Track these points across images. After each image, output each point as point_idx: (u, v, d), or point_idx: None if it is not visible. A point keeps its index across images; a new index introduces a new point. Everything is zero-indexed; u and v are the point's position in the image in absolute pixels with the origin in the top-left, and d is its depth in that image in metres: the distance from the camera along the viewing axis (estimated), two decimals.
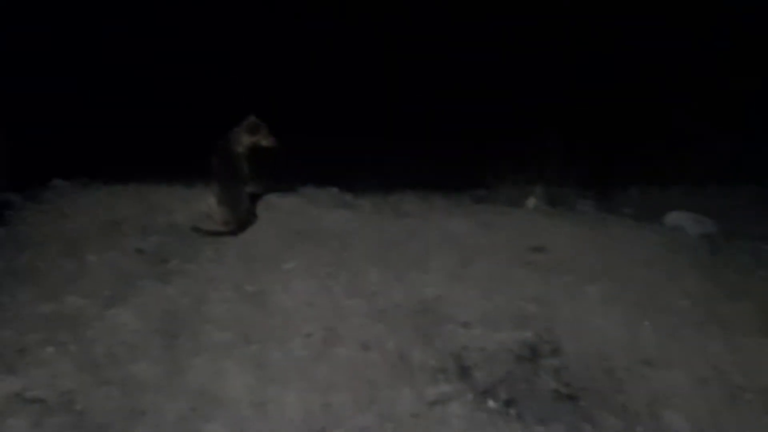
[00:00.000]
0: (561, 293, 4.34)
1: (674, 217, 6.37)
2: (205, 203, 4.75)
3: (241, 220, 4.68)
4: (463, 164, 6.46)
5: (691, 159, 6.97)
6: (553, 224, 5.75)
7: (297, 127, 5.67)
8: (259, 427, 2.79)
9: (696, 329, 4.15)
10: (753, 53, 7.36)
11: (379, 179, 5.96)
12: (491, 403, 3.11)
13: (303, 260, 4.32)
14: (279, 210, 5.06)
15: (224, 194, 4.62)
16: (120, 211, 4.75)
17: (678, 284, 4.74)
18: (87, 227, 4.46)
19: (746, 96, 7.31)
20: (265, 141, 4.77)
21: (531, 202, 6.30)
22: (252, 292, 3.86)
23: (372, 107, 6.79)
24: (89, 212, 4.71)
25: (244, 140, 4.74)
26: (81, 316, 3.45)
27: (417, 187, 6.16)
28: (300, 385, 3.09)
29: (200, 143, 5.41)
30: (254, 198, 5.06)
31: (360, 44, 7.09)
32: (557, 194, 6.38)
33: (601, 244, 5.36)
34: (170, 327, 3.42)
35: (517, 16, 7.31)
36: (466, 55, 7.29)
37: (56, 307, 3.51)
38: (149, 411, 2.82)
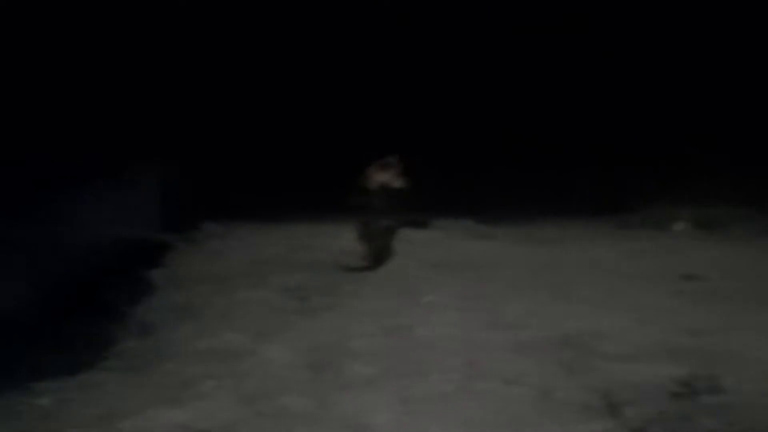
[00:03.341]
0: (719, 324, 4.06)
1: None
2: (345, 239, 4.92)
3: (378, 255, 4.79)
4: (604, 189, 6.26)
5: None
6: (704, 249, 5.43)
7: (432, 160, 5.77)
8: None
9: None
10: None
11: (514, 209, 5.91)
12: None
13: (441, 293, 4.34)
14: (415, 243, 5.14)
15: (362, 230, 4.77)
16: (266, 250, 5.01)
17: None
18: (236, 266, 4.75)
19: None
20: (396, 181, 4.88)
21: (679, 225, 5.98)
22: (392, 325, 3.92)
23: (502, 137, 6.79)
24: (238, 252, 5.02)
25: (376, 178, 4.88)
26: (235, 350, 3.65)
27: (555, 214, 6.04)
28: (444, 419, 3.06)
29: (340, 181, 5.65)
30: (390, 232, 5.17)
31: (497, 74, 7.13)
32: (707, 216, 5.99)
33: (761, 270, 4.98)
34: (316, 361, 3.53)
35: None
36: (602, 77, 7.13)
37: (212, 342, 3.74)
38: None
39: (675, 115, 6.81)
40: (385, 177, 4.92)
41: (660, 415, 3.16)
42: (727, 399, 3.31)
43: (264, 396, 3.25)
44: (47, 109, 5.15)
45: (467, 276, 4.57)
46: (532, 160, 6.44)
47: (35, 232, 4.50)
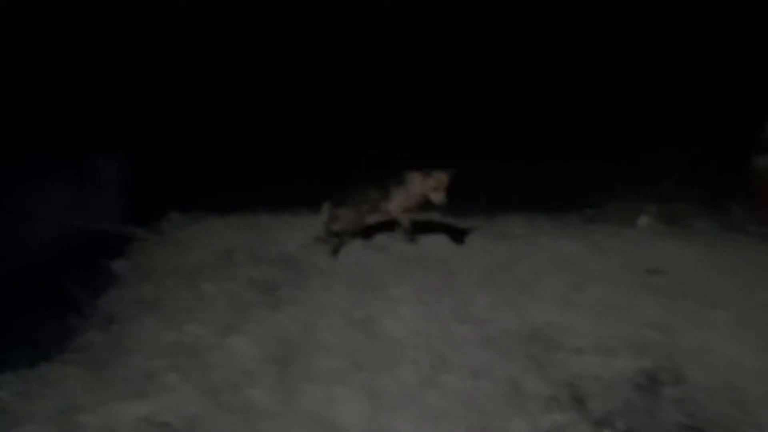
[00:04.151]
0: (683, 319, 4.11)
1: None
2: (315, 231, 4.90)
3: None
4: (570, 183, 6.30)
5: None
6: (670, 244, 5.49)
7: (396, 149, 5.76)
8: None
9: None
10: None
11: (482, 202, 5.90)
12: None
13: (410, 286, 4.33)
14: (383, 236, 5.11)
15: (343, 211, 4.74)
16: (233, 241, 4.95)
17: None
18: (202, 258, 4.68)
19: None
20: (437, 196, 4.72)
21: (643, 220, 6.04)
22: (360, 318, 3.89)
23: (469, 130, 6.81)
24: (204, 243, 4.95)
25: (419, 186, 4.76)
26: (201, 343, 3.60)
27: (523, 209, 6.05)
28: (411, 412, 3.06)
29: (312, 173, 5.63)
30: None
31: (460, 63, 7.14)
32: (673, 212, 6.07)
33: (725, 265, 5.06)
34: (283, 354, 3.50)
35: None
36: (574, 69, 7.18)
37: (178, 335, 3.68)
38: None
39: (640, 113, 6.89)
40: (427, 187, 4.74)
41: (624, 406, 3.20)
42: (690, 391, 3.37)
43: (229, 389, 3.21)
44: (6, 101, 5.01)
45: (436, 269, 4.57)
46: (499, 153, 6.44)
47: None
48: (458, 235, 5.13)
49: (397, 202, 4.84)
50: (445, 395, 3.21)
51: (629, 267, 4.88)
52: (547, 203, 6.14)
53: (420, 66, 7.28)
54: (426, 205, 4.88)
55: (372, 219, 5.04)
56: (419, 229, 5.11)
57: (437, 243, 4.99)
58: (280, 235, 5.13)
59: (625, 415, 3.12)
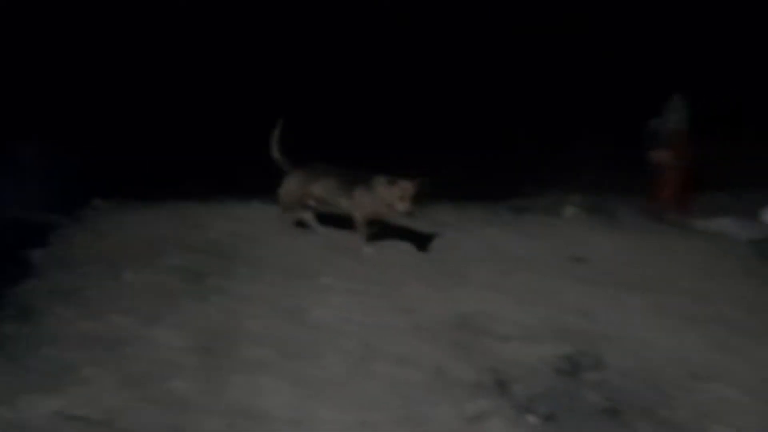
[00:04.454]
0: (604, 305, 4.25)
1: (720, 223, 6.22)
2: (243, 221, 4.81)
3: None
4: (500, 174, 6.41)
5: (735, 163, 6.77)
6: (593, 233, 5.66)
7: (324, 139, 5.73)
8: None
9: (746, 339, 4.02)
10: None
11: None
12: (531, 419, 3.02)
13: (338, 275, 4.31)
14: (312, 226, 5.08)
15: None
16: (157, 229, 4.82)
17: (726, 292, 4.62)
18: (125, 246, 4.53)
19: None
20: (402, 205, 4.46)
21: (569, 210, 6.21)
22: (289, 307, 3.85)
23: (399, 119, 6.83)
24: (126, 231, 4.79)
25: (384, 193, 4.52)
26: (121, 334, 3.48)
27: (454, 198, 6.12)
28: (337, 401, 3.05)
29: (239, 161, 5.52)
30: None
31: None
32: (596, 202, 6.26)
33: (644, 253, 5.26)
34: (208, 344, 3.42)
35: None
36: (499, 62, 7.28)
37: (97, 325, 3.55)
38: (188, 428, 2.81)
39: (566, 106, 7.07)
40: (391, 195, 4.48)
41: (546, 391, 3.27)
42: (609, 375, 3.48)
43: (150, 380, 3.11)
44: None
45: (363, 258, 4.57)
46: (430, 142, 6.49)
47: None
48: (454, 251, 4.92)
49: (361, 206, 4.68)
50: (372, 383, 3.21)
51: (555, 255, 5.01)
52: (477, 193, 6.23)
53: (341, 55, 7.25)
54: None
55: None
56: (379, 235, 4.96)
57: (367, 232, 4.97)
58: (209, 224, 5.02)
59: (547, 400, 3.19)
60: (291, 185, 4.83)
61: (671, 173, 6.38)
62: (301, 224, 4.91)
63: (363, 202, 4.63)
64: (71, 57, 6.57)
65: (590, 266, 4.84)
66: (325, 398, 3.07)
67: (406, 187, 4.42)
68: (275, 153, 4.82)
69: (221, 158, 6.57)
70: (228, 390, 3.09)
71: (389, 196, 4.46)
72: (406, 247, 4.78)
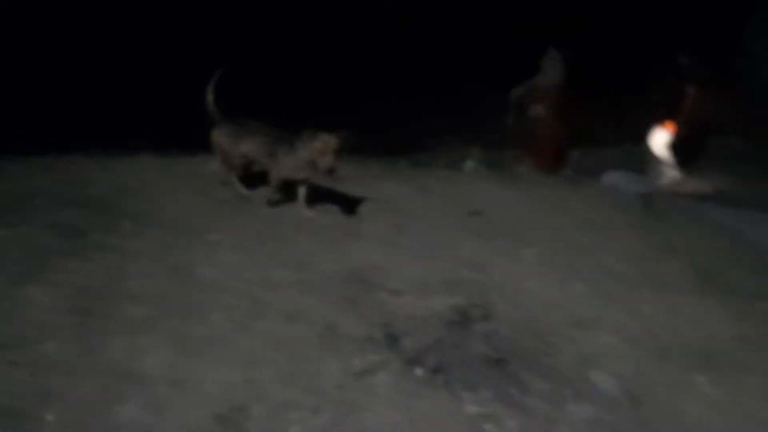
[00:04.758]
0: (496, 257, 4.30)
1: (611, 177, 6.43)
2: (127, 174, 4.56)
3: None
4: (400, 129, 6.37)
5: (628, 119, 6.99)
6: (491, 187, 5.72)
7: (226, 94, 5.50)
8: (175, 406, 2.65)
9: (628, 289, 4.18)
10: None
11: None
12: (419, 371, 3.03)
13: (230, 231, 4.16)
14: (206, 178, 4.87)
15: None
16: (33, 183, 4.49)
17: (613, 244, 4.78)
18: None
19: None
20: (323, 161, 4.20)
21: (469, 165, 6.25)
22: (173, 265, 3.68)
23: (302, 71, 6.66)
24: None
25: (307, 150, 4.25)
26: None
27: (353, 152, 6.01)
28: (221, 360, 2.95)
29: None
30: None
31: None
32: (495, 157, 6.33)
33: (538, 206, 5.36)
34: (85, 304, 3.22)
35: None
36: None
37: None
38: (57, 393, 2.65)
39: (463, 58, 7.06)
40: (313, 150, 4.21)
41: (435, 343, 3.29)
42: (497, 326, 3.53)
43: (19, 344, 2.90)
44: None
45: (257, 213, 4.42)
46: (328, 97, 6.35)
47: None
48: (350, 205, 4.69)
49: (284, 166, 4.39)
50: (258, 341, 3.12)
51: (452, 209, 5.03)
52: (376, 147, 6.16)
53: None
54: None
55: None
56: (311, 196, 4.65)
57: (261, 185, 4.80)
58: (91, 178, 4.72)
59: (435, 352, 3.21)
60: (221, 141, 4.56)
61: (546, 128, 6.43)
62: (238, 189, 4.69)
63: (285, 163, 4.36)
64: None
65: (486, 220, 4.89)
66: (208, 357, 2.96)
67: (327, 141, 4.18)
68: (209, 103, 4.53)
69: (113, 107, 6.20)
70: (105, 351, 2.93)
71: (310, 153, 4.23)
72: (302, 206, 4.63)
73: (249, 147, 4.47)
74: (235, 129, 4.51)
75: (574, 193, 5.74)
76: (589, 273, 4.28)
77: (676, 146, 6.36)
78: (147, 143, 5.51)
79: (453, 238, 4.53)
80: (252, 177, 4.67)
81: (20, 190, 4.34)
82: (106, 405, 2.60)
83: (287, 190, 4.56)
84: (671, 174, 6.41)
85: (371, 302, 3.57)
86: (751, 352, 3.71)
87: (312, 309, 3.44)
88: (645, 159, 6.49)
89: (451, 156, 6.35)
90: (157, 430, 2.50)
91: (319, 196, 4.67)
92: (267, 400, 2.73)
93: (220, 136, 4.53)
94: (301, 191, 4.52)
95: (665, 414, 3.09)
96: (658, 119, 6.35)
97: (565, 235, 4.73)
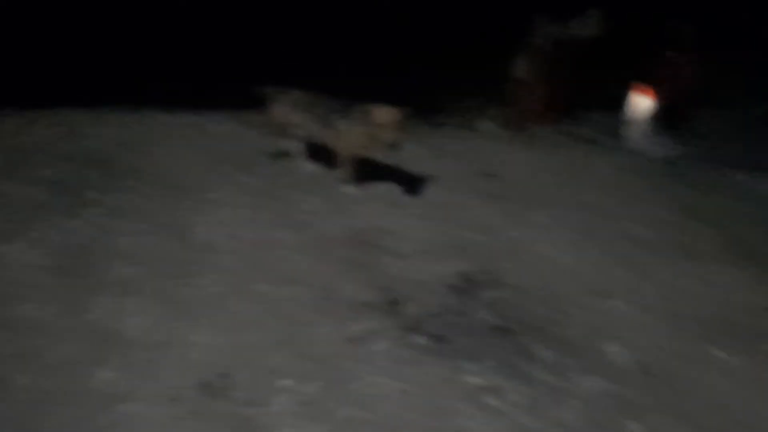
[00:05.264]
0: (509, 221, 4.10)
1: (636, 141, 6.14)
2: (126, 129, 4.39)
3: None
4: (414, 88, 6.10)
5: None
6: (507, 149, 5.48)
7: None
8: (157, 371, 2.52)
9: (646, 256, 3.96)
10: None
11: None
12: (419, 339, 2.86)
13: (230, 189, 4.00)
14: (207, 135, 4.71)
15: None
16: (33, 138, 4.35)
17: (632, 209, 4.54)
18: None
19: None
20: (389, 136, 3.90)
21: (485, 125, 6.00)
22: (167, 223, 3.54)
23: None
24: None
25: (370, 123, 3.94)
26: None
27: None
28: (209, 323, 2.81)
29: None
30: None
31: None
32: (513, 117, 6.05)
33: (556, 169, 5.13)
34: (69, 263, 3.09)
35: None
36: None
37: None
38: (33, 355, 2.52)
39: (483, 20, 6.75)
40: (379, 124, 3.91)
41: (438, 310, 3.11)
42: (505, 293, 3.35)
43: None
44: None
45: (257, 172, 4.24)
46: (341, 64, 6.12)
47: None
48: (411, 184, 4.36)
49: (347, 140, 4.08)
50: (251, 304, 2.97)
51: (464, 170, 4.81)
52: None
53: None
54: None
55: None
56: (366, 173, 4.32)
57: (265, 144, 4.60)
58: (91, 132, 4.55)
59: (437, 319, 3.03)
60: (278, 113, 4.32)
61: (532, 88, 6.07)
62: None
63: (349, 135, 4.05)
64: None
65: (499, 182, 4.67)
66: (196, 320, 2.82)
67: (390, 113, 3.91)
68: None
69: (122, 59, 6.02)
70: (89, 312, 2.80)
71: (374, 128, 3.93)
72: (307, 164, 4.43)
73: (301, 118, 4.24)
74: (292, 99, 4.26)
75: (595, 155, 5.48)
76: (606, 238, 4.06)
77: (661, 113, 6.04)
78: (154, 98, 5.32)
79: (464, 200, 4.32)
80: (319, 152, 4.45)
81: (19, 144, 4.20)
82: (84, 368, 2.48)
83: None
84: (652, 139, 6.10)
85: (373, 266, 3.40)
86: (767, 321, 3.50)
87: (310, 272, 3.27)
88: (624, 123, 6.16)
89: (467, 116, 6.10)
90: (135, 396, 2.37)
91: (326, 158, 4.47)
92: (254, 367, 2.59)
93: (275, 107, 4.30)
94: (346, 166, 4.23)
95: (678, 385, 2.90)
96: (639, 85, 6.03)
97: (583, 198, 4.50)
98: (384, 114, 3.90)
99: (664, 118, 6.11)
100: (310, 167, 4.36)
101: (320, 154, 4.34)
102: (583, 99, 6.33)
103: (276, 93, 4.28)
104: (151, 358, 2.57)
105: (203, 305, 2.93)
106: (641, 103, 6.06)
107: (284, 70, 4.71)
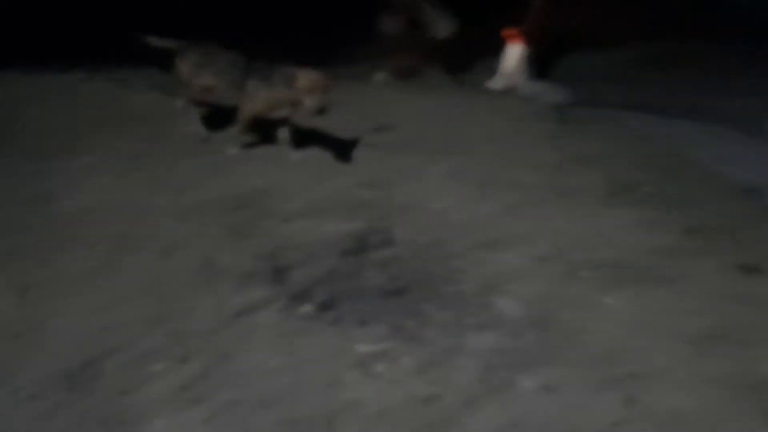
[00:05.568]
0: (402, 175, 3.97)
1: (529, 87, 6.14)
2: None
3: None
4: (310, 41, 5.83)
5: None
6: (401, 99, 5.34)
7: None
8: (15, 364, 2.27)
9: (540, 205, 3.93)
10: None
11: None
12: (306, 308, 2.72)
13: (102, 152, 3.69)
14: (78, 95, 4.32)
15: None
16: None
17: (526, 158, 4.51)
18: None
19: None
20: (311, 101, 3.67)
21: (380, 76, 5.83)
22: (33, 193, 3.22)
23: None
24: None
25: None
26: None
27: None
28: (76, 306, 2.57)
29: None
30: None
31: None
32: (407, 67, 5.91)
33: (450, 119, 5.03)
34: None
35: None
36: None
37: None
38: None
39: None
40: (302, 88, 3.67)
41: (326, 275, 2.97)
42: (398, 252, 3.23)
43: None
44: None
45: (135, 132, 3.94)
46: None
47: None
48: (344, 149, 4.15)
49: (255, 102, 3.80)
50: (123, 281, 2.75)
51: (356, 124, 4.63)
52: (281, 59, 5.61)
53: None
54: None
55: None
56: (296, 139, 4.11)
57: (141, 102, 4.28)
58: None
59: (326, 285, 2.89)
60: (182, 70, 3.91)
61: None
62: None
63: (257, 97, 3.77)
64: None
65: (393, 135, 4.54)
66: (61, 303, 2.58)
67: (314, 78, 3.68)
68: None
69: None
70: None
71: (294, 91, 3.68)
72: (183, 119, 4.14)
73: (212, 78, 3.89)
74: (201, 57, 3.89)
75: (488, 104, 5.41)
76: (501, 189, 4.00)
77: (531, 57, 6.13)
78: (27, 54, 4.81)
79: (355, 155, 4.16)
80: (218, 114, 4.14)
81: None
82: None
83: (261, 130, 4.00)
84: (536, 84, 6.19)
85: (258, 231, 3.21)
86: (663, 264, 3.54)
87: (190, 241, 3.06)
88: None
89: (361, 68, 5.90)
90: None
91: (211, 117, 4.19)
92: (126, 351, 2.38)
93: (182, 64, 3.92)
94: (283, 132, 4.00)
95: (572, 337, 2.88)
96: (510, 30, 6.07)
97: (477, 149, 4.42)
98: (307, 78, 3.67)
99: (536, 62, 6.19)
100: (197, 129, 4.07)
101: (217, 116, 4.04)
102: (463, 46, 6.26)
103: (184, 47, 3.93)
104: (8, 351, 2.32)
105: (69, 284, 2.68)
106: (514, 48, 6.10)
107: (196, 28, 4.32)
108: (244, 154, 3.90)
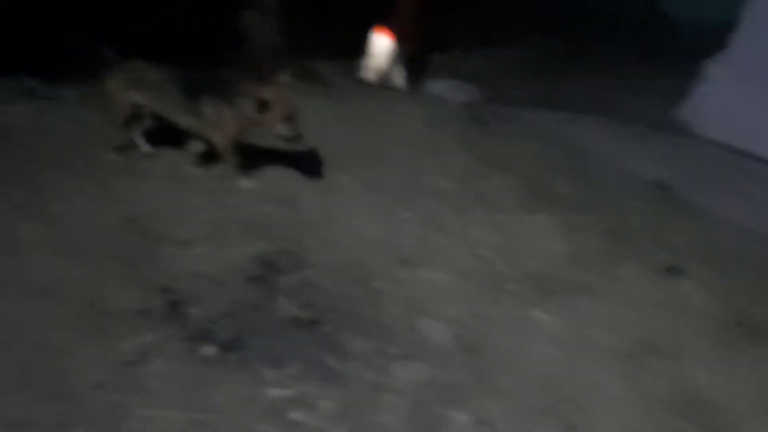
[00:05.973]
0: (309, 189, 3.66)
1: (435, 86, 5.98)
2: None
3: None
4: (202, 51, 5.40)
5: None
6: (305, 104, 5.00)
7: None
8: None
9: (458, 213, 3.75)
10: None
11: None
12: (207, 350, 2.38)
13: None
14: None
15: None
16: None
17: (441, 163, 4.31)
18: None
19: None
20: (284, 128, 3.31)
21: (283, 78, 5.47)
22: None
23: None
24: None
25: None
26: None
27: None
28: None
29: None
30: None
31: None
32: (309, 69, 5.59)
33: (358, 124, 4.75)
34: None
35: None
36: None
37: None
38: None
39: None
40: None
41: (230, 308, 2.63)
42: (310, 276, 2.94)
43: None
44: None
45: (5, 149, 3.43)
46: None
47: None
48: (302, 163, 3.79)
49: (225, 130, 3.37)
50: None
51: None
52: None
53: None
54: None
55: None
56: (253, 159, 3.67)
57: (16, 113, 3.76)
58: None
59: (230, 320, 2.56)
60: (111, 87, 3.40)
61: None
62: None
63: (223, 121, 3.33)
64: None
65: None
66: None
67: (285, 99, 3.34)
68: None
69: None
70: None
71: (266, 117, 3.29)
72: (62, 132, 3.67)
73: (147, 96, 3.40)
74: (133, 75, 3.39)
75: (395, 105, 5.16)
76: (418, 198, 3.77)
77: (402, 53, 6.06)
78: None
79: (259, 169, 3.81)
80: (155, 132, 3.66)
81: None
82: None
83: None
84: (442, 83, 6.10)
85: (149, 261, 2.82)
86: (582, 271, 3.44)
87: (68, 278, 2.63)
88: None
89: (265, 71, 5.52)
90: None
91: (83, 127, 3.73)
92: None
93: (111, 82, 3.40)
94: (230, 158, 3.52)
95: (504, 361, 2.69)
96: (380, 27, 5.97)
97: (388, 155, 4.17)
98: (280, 101, 3.31)
99: (407, 58, 6.09)
100: (81, 142, 3.60)
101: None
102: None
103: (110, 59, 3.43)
104: None
105: None
106: (380, 39, 5.97)
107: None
108: (126, 168, 3.47)
